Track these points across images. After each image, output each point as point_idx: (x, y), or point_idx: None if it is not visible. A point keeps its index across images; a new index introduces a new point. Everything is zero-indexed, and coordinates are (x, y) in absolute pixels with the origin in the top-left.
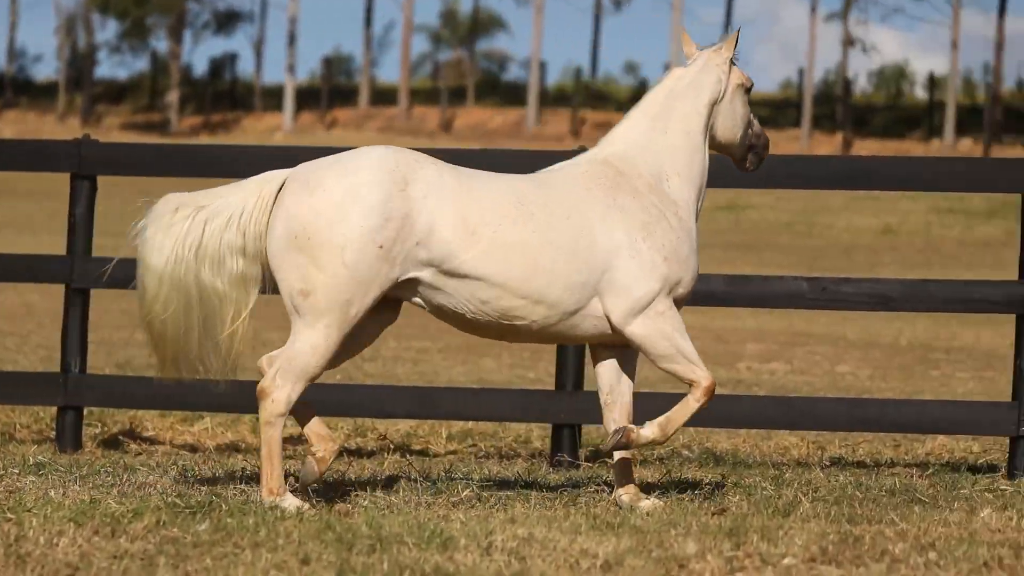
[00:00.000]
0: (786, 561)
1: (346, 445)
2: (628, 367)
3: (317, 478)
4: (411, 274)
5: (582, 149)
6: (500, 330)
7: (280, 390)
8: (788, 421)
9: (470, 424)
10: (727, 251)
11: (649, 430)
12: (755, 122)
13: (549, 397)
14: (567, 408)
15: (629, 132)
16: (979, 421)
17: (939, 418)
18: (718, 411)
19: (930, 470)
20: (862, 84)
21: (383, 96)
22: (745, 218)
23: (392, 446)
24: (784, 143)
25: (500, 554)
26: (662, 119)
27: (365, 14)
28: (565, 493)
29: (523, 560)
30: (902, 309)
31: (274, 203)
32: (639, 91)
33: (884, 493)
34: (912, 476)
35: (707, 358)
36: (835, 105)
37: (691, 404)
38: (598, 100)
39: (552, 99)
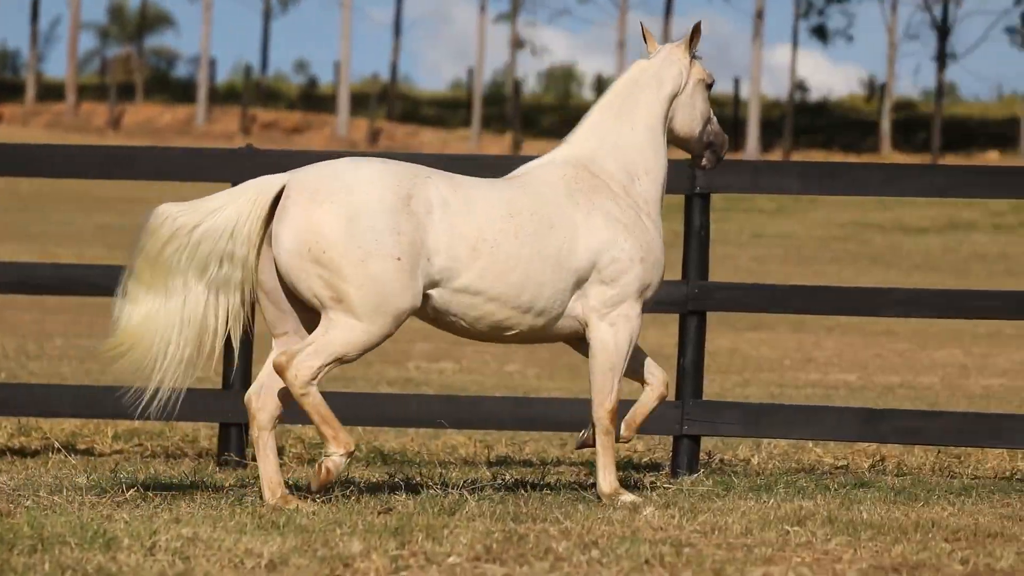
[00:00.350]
0: (451, 560)
1: (10, 445)
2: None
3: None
4: (426, 291)
5: (250, 147)
6: (488, 336)
7: (306, 360)
8: (455, 420)
9: (137, 423)
10: None
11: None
12: (714, 119)
13: (216, 396)
14: (234, 407)
15: (597, 130)
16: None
17: None
18: (386, 410)
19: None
20: (531, 85)
21: (50, 92)
22: None
23: (57, 445)
24: (455, 143)
25: (164, 554)
26: (628, 114)
27: (31, 9)
28: (231, 493)
29: (187, 560)
30: None
31: (269, 210)
32: (309, 89)
33: (550, 491)
34: (578, 474)
35: (376, 356)
36: (504, 106)
37: (605, 443)
38: (268, 98)
39: (222, 97)
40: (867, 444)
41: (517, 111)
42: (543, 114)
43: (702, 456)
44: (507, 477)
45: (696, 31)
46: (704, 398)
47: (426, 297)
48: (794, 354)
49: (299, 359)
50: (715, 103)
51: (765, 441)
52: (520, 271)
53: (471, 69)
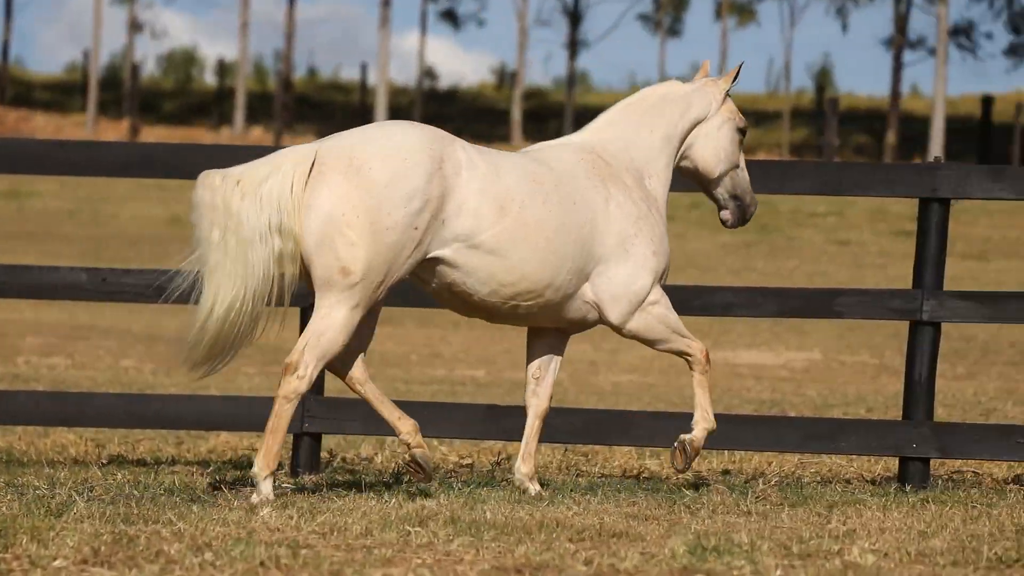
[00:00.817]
0: (56, 563)
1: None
2: (562, 345)
3: (429, 455)
4: (434, 253)
5: None
6: (498, 313)
7: (307, 367)
8: (63, 417)
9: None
10: (9, 240)
11: (700, 430)
12: (743, 172)
13: None
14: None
15: (616, 125)
16: (262, 416)
17: (220, 415)
18: None
19: (211, 467)
20: (151, 68)
21: None
22: (29, 206)
23: None
24: (70, 129)
25: None
26: (650, 120)
27: None
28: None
29: None
30: None
31: (307, 180)
32: None
33: (163, 492)
34: (192, 474)
35: None
36: (122, 90)
37: (702, 380)
38: None
39: None
40: (493, 441)
41: (135, 96)
42: (163, 99)
43: (324, 455)
44: (119, 477)
45: (737, 72)
46: (327, 394)
47: (437, 260)
48: (421, 349)
49: (301, 369)
50: (342, 89)
51: (389, 439)
52: (545, 238)
53: (87, 52)
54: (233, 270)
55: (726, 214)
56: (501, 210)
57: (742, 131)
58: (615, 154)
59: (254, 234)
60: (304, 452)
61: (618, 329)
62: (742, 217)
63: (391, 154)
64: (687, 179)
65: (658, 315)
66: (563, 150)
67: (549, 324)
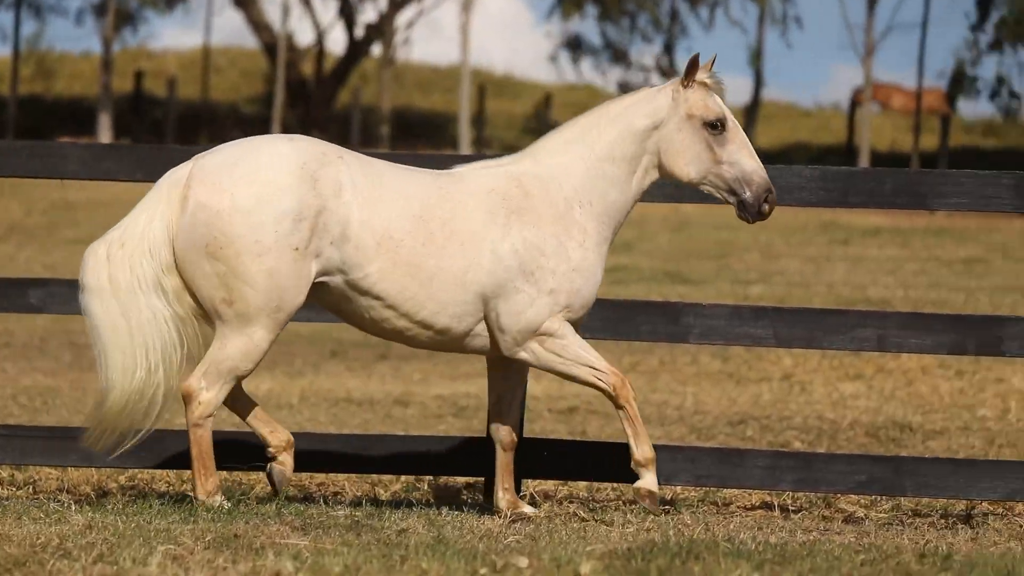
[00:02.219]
0: None
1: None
2: (522, 375)
3: (288, 475)
4: (323, 278)
5: None
6: (402, 341)
7: (207, 391)
8: None
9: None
10: None
11: (648, 476)
12: (731, 166)
13: None
14: None
15: (554, 150)
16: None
17: None
18: None
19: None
20: None
21: None
22: None
23: None
24: None
25: None
26: (590, 141)
27: None
28: None
29: None
30: None
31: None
32: None
33: None
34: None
35: None
36: None
37: (625, 414)
38: None
39: None
40: None
41: None
42: None
43: None
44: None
45: (691, 65)
46: None
47: (326, 286)
48: None
49: (201, 395)
50: None
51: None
52: (420, 284)
53: None
54: (117, 335)
55: (737, 212)
56: (377, 247)
57: (713, 124)
58: (545, 183)
59: (133, 287)
60: None
61: (509, 357)
62: (751, 212)
63: (256, 177)
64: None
65: (553, 347)
66: (486, 177)
67: (471, 352)
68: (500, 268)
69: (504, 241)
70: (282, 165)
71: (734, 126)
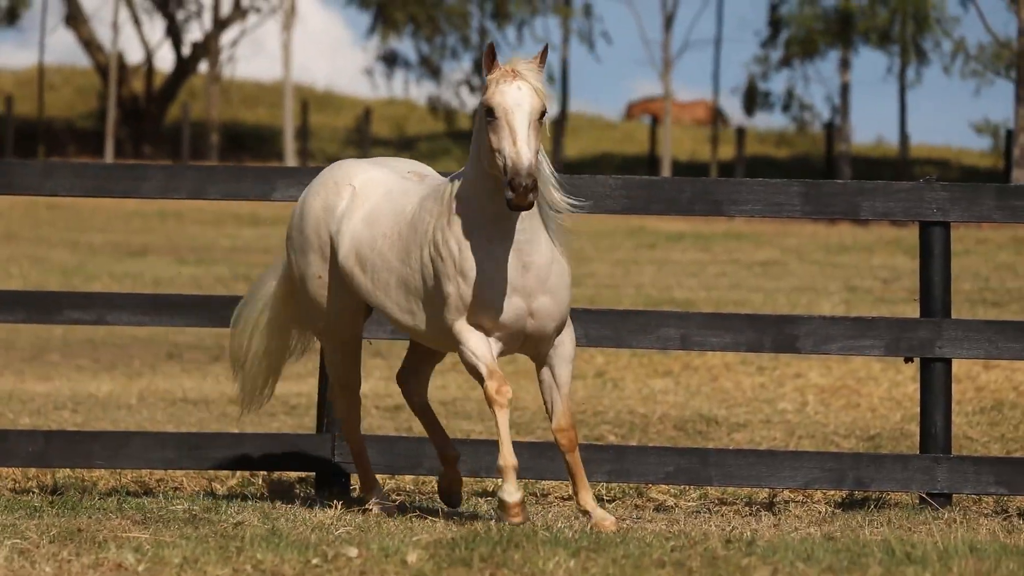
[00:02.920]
0: None
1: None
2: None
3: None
4: None
5: None
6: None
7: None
8: None
9: None
10: None
11: (505, 482)
12: (500, 150)
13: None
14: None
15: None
16: None
17: None
18: None
19: None
20: None
21: None
22: None
23: None
24: None
25: None
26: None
27: None
28: None
29: None
30: None
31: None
32: None
33: None
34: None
35: None
36: None
37: (496, 416)
38: None
39: None
40: None
41: None
42: None
43: None
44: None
45: (485, 56)
46: None
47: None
48: None
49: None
50: None
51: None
52: (394, 298)
53: None
54: None
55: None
56: (363, 268)
57: (488, 111)
58: (455, 190)
59: None
60: None
61: None
62: (512, 196)
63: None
64: None
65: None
66: (433, 188)
67: None
68: (426, 274)
69: (423, 248)
70: (315, 190)
71: (503, 113)
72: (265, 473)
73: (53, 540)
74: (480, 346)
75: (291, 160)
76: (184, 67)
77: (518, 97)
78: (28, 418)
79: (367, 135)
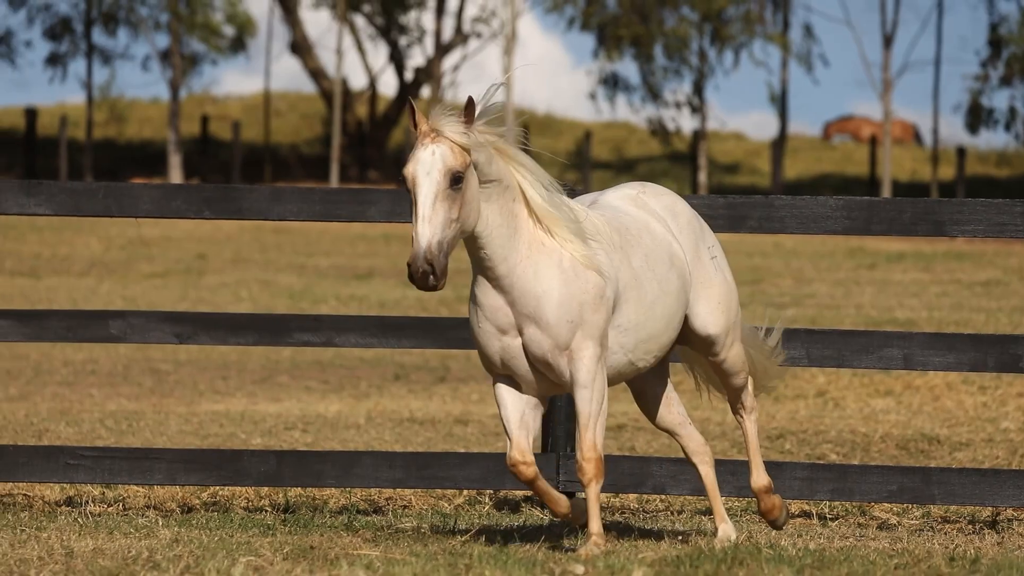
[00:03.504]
0: None
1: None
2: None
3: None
4: None
5: None
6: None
7: None
8: None
9: None
10: None
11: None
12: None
13: None
14: None
15: None
16: None
17: None
18: None
19: None
20: None
21: None
22: None
23: None
24: None
25: None
26: None
27: None
28: None
29: None
30: None
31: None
32: None
33: None
34: None
35: None
36: None
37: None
38: None
39: None
40: None
41: None
42: None
43: None
44: None
45: (409, 111)
46: None
47: None
48: None
49: None
50: None
51: None
52: None
53: None
54: None
55: None
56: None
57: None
58: None
59: None
60: None
61: None
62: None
63: None
64: None
65: None
66: None
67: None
68: None
69: None
70: None
71: (411, 186)
72: (491, 491)
73: (287, 557)
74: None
75: None
76: (406, 92)
77: (428, 164)
78: (260, 438)
79: (587, 157)
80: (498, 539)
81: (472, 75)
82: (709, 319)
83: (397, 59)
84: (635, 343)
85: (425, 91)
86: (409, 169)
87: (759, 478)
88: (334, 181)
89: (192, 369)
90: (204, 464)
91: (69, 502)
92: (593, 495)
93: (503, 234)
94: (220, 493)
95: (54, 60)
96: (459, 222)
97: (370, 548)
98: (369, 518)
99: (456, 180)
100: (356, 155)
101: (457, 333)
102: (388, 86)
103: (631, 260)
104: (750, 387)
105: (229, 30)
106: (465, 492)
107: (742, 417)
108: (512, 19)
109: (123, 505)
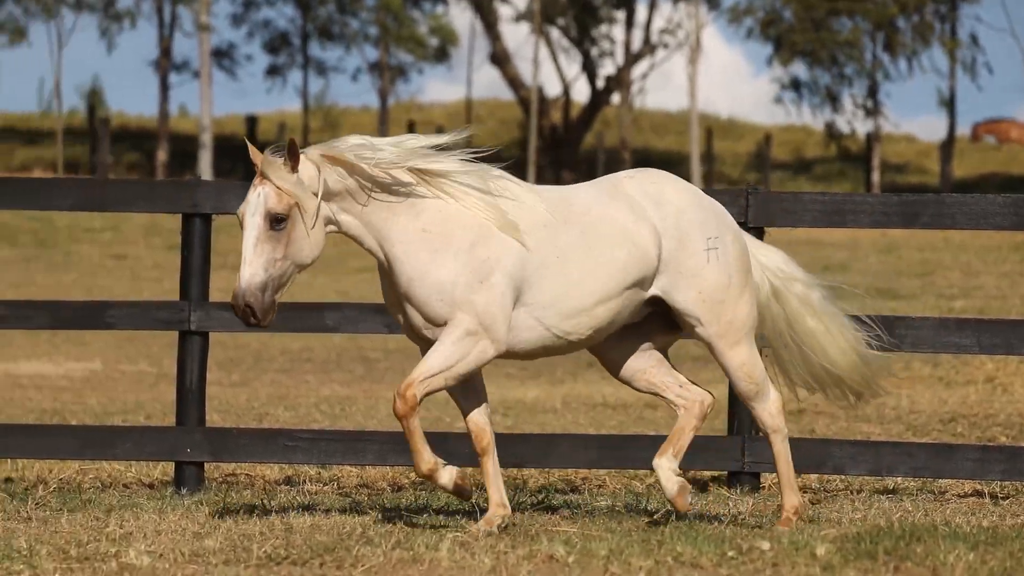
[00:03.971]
0: None
1: None
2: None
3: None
4: None
5: None
6: None
7: None
8: None
9: None
10: None
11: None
12: None
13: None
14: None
15: None
16: None
17: None
18: None
19: None
20: None
21: None
22: None
23: None
24: None
25: None
26: None
27: None
28: None
29: None
30: None
31: None
32: None
33: None
34: None
35: None
36: None
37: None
38: None
39: None
40: None
41: None
42: None
43: None
44: None
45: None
46: None
47: None
48: None
49: None
50: None
51: None
52: None
53: None
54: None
55: None
56: None
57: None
58: None
59: None
60: None
61: None
62: None
63: None
64: None
65: None
66: None
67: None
68: None
69: None
70: None
71: (241, 226)
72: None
73: (490, 533)
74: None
75: (697, 182)
76: (598, 99)
77: (253, 206)
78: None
79: (767, 159)
80: (687, 517)
81: (659, 83)
82: (688, 307)
83: (589, 68)
84: (559, 318)
85: (615, 97)
86: (240, 210)
87: (790, 498)
88: (531, 182)
89: (400, 357)
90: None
91: (288, 481)
92: (407, 428)
93: (372, 230)
94: None
95: (273, 71)
96: (288, 259)
97: (568, 525)
98: (566, 497)
99: (277, 221)
100: (551, 158)
101: None
102: (580, 93)
103: (558, 238)
104: (771, 406)
105: (433, 41)
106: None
107: (767, 436)
108: (696, 30)
109: (337, 484)
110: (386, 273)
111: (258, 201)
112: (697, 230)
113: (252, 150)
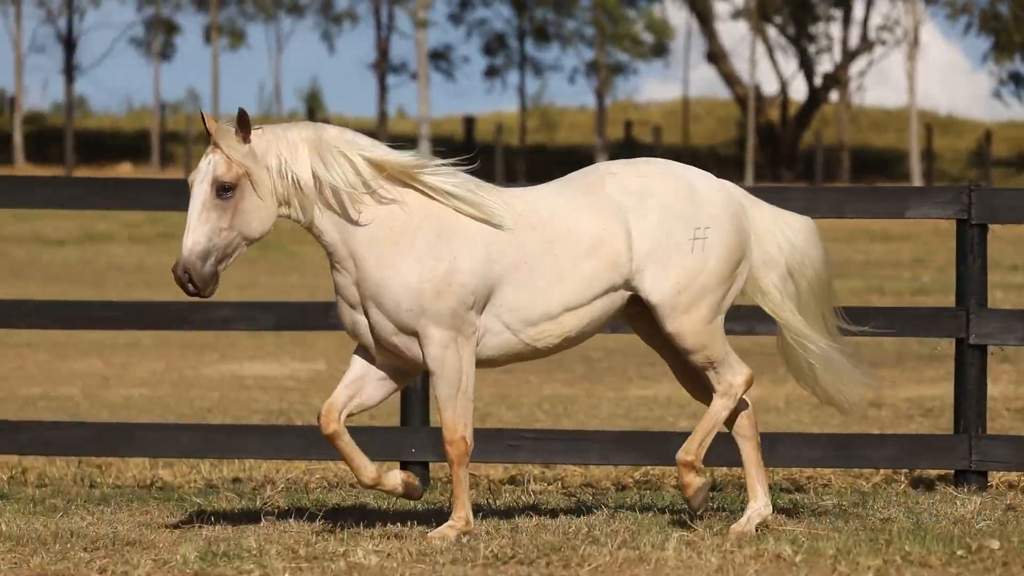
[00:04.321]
0: None
1: None
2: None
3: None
4: None
5: None
6: None
7: None
8: None
9: None
10: None
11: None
12: None
13: None
14: None
15: None
16: None
17: None
18: None
19: None
20: None
21: None
22: None
23: None
24: None
25: None
26: None
27: None
28: None
29: None
30: None
31: None
32: None
33: None
34: None
35: None
36: None
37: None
38: None
39: None
40: (8, 456)
41: None
42: None
43: None
44: None
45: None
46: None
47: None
48: None
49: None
50: None
51: None
52: None
53: None
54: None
55: None
56: None
57: None
58: None
59: None
60: None
61: None
62: None
63: None
64: None
65: None
66: None
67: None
68: None
69: None
70: None
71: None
72: (906, 471)
73: (717, 533)
74: None
75: (917, 180)
76: (816, 96)
77: (202, 174)
78: (686, 421)
79: (987, 156)
80: (914, 516)
81: (877, 79)
82: (654, 285)
83: (806, 66)
84: (523, 324)
85: (833, 95)
86: (189, 178)
87: (687, 451)
88: (749, 180)
89: (621, 357)
90: (635, 445)
91: (512, 481)
92: (456, 477)
93: (335, 224)
94: (651, 472)
95: (491, 72)
96: (234, 229)
97: (794, 524)
98: (791, 496)
99: (225, 189)
100: (768, 156)
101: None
102: (798, 91)
103: (526, 245)
104: (729, 375)
105: (648, 38)
106: (881, 471)
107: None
108: (915, 27)
109: (561, 484)
110: (345, 270)
111: (207, 168)
112: (687, 221)
113: (208, 119)
